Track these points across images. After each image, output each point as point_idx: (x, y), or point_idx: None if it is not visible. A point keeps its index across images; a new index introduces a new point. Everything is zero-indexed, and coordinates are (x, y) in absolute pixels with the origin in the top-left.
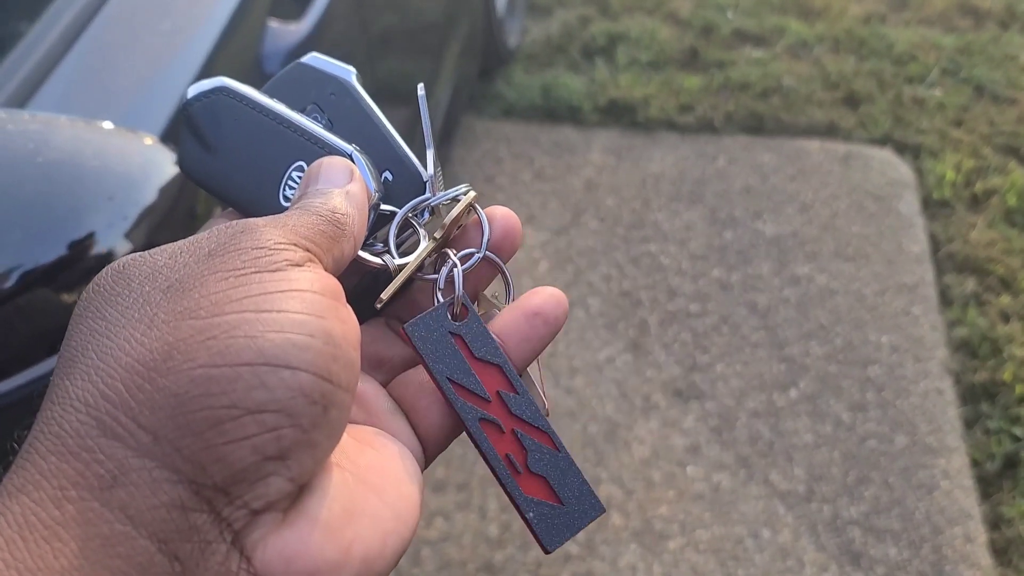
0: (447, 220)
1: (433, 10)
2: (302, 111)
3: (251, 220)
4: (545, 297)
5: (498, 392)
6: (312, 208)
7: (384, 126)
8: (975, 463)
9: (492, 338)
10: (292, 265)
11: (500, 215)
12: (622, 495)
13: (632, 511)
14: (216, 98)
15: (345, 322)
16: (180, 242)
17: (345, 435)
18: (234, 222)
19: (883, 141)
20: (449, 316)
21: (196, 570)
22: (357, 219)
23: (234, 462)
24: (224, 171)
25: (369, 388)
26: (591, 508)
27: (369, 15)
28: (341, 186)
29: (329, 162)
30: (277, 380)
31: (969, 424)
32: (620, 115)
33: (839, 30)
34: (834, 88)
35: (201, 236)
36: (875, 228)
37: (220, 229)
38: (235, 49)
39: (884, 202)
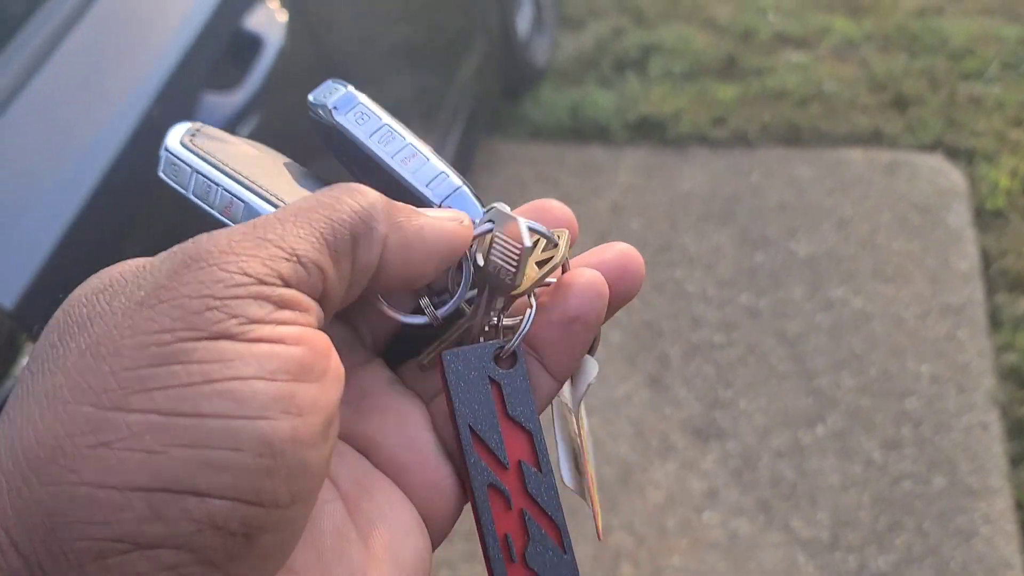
0: (526, 280)
1: (438, 32)
2: None
3: (219, 235)
4: (584, 298)
5: (519, 462)
6: (321, 202)
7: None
8: (1019, 506)
9: (532, 400)
10: (248, 323)
11: (614, 257)
12: (633, 543)
13: (643, 560)
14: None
15: (303, 411)
16: (141, 264)
17: (334, 513)
18: (196, 239)
19: (933, 146)
20: (494, 358)
21: None
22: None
23: None
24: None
25: (415, 416)
26: None
27: (357, 39)
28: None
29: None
30: (177, 511)
31: (1015, 462)
32: (650, 132)
33: (889, 26)
34: (880, 90)
35: (154, 261)
36: (919, 243)
37: (172, 254)
38: (167, 118)
39: (931, 214)
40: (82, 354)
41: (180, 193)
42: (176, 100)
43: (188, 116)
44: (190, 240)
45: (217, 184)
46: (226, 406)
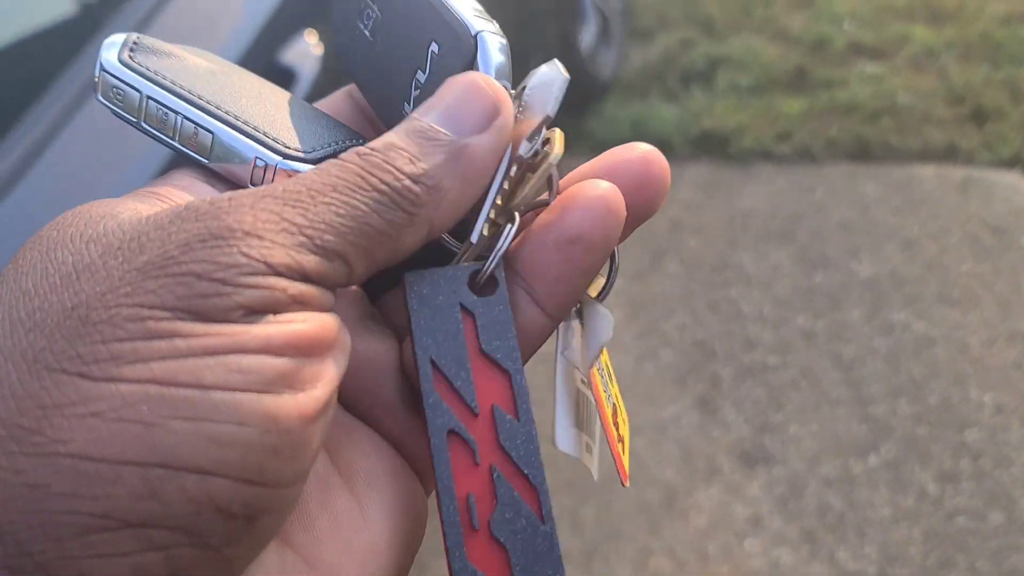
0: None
1: None
2: (359, 13)
3: (244, 211)
4: (588, 213)
5: (492, 407)
6: (366, 178)
7: None
8: None
9: (513, 335)
10: (252, 312)
11: (638, 157)
12: (673, 567)
13: None
14: None
15: (307, 387)
16: (134, 218)
17: (319, 468)
18: (215, 208)
19: (1011, 163)
20: (468, 283)
21: None
22: (455, 195)
23: None
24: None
25: (378, 358)
26: None
27: None
28: (465, 135)
29: (462, 87)
30: (174, 489)
31: None
32: (712, 147)
33: (972, 34)
34: (958, 103)
35: (161, 220)
36: (990, 266)
37: (186, 218)
38: None
39: (1004, 235)
40: (68, 315)
41: (128, 121)
42: None
43: None
44: (209, 202)
45: (174, 110)
46: (231, 378)
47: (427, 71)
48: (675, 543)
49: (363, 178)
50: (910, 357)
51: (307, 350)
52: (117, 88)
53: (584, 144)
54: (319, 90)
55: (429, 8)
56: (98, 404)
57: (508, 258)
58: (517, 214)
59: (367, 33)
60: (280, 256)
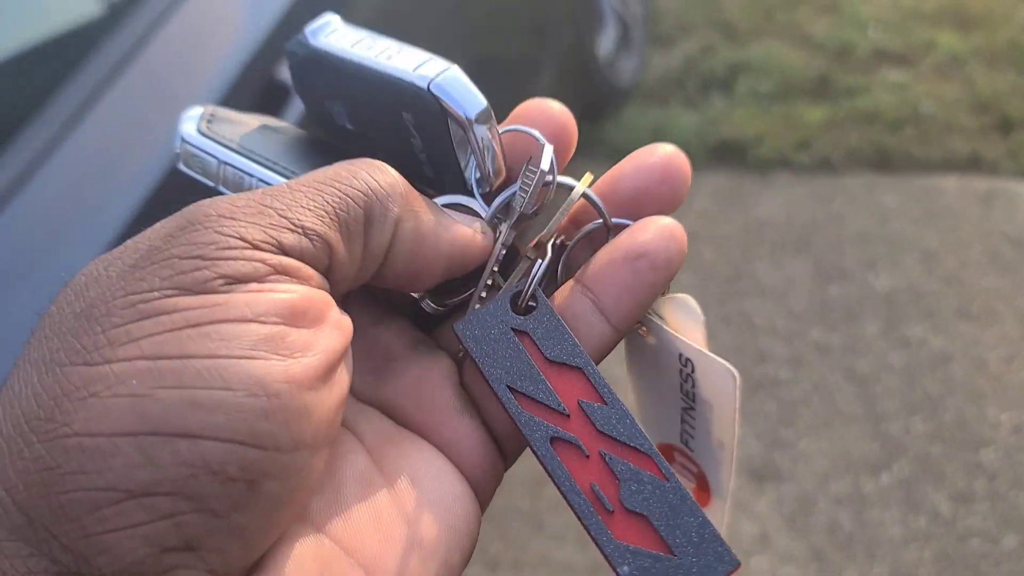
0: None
1: (501, 60)
2: (330, 116)
3: (222, 201)
4: (654, 231)
5: (579, 403)
6: (345, 169)
7: (366, 56)
8: None
9: (568, 333)
10: (236, 282)
11: (659, 159)
12: None
13: None
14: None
15: (295, 352)
16: (138, 236)
17: (356, 462)
18: (197, 205)
19: None
20: (511, 309)
21: None
22: (424, 216)
23: (123, 554)
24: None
25: (433, 376)
26: (717, 560)
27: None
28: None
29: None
30: (168, 454)
31: None
32: (730, 155)
33: (1000, 41)
34: (983, 111)
35: (155, 227)
36: (1011, 280)
37: (173, 218)
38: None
39: None
40: (77, 317)
41: (207, 186)
42: None
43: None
44: (193, 204)
45: (249, 173)
46: (212, 346)
47: (418, 139)
48: None
49: (335, 174)
50: (926, 373)
51: (291, 317)
52: (196, 157)
53: (601, 151)
54: None
55: (382, 80)
56: (95, 385)
57: (576, 270)
58: (550, 247)
59: (349, 126)
60: (255, 233)
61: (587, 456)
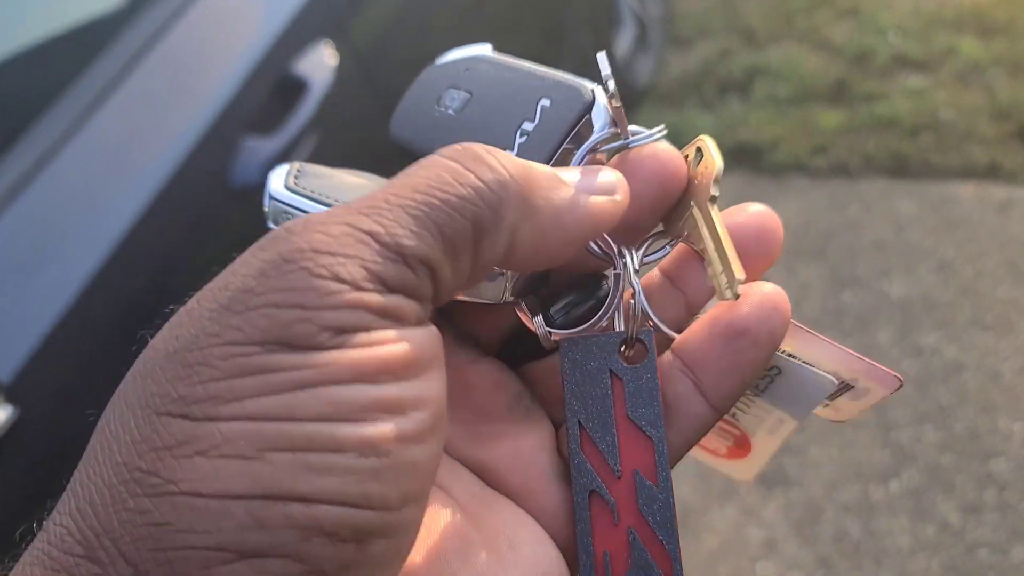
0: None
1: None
2: (437, 100)
3: (315, 230)
4: (756, 305)
5: (634, 473)
6: (446, 168)
7: (532, 67)
8: None
9: (659, 401)
10: (341, 334)
11: (753, 217)
12: None
13: None
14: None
15: (407, 409)
16: (238, 258)
17: (453, 520)
18: (290, 229)
19: None
20: (619, 350)
21: None
22: (545, 220)
23: None
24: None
25: (531, 441)
26: None
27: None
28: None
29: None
30: (280, 518)
31: None
32: (746, 159)
33: (1022, 49)
34: (1003, 119)
35: (245, 256)
36: None
37: (262, 250)
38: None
39: None
40: (170, 358)
41: None
42: (217, 145)
43: (226, 161)
44: (283, 228)
45: None
46: (323, 410)
47: (536, 120)
48: (685, 564)
49: (436, 177)
50: (938, 383)
51: (401, 373)
52: (286, 213)
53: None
54: (331, 102)
55: (533, 77)
56: (202, 444)
57: (676, 348)
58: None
59: (450, 112)
60: (354, 270)
61: (616, 524)
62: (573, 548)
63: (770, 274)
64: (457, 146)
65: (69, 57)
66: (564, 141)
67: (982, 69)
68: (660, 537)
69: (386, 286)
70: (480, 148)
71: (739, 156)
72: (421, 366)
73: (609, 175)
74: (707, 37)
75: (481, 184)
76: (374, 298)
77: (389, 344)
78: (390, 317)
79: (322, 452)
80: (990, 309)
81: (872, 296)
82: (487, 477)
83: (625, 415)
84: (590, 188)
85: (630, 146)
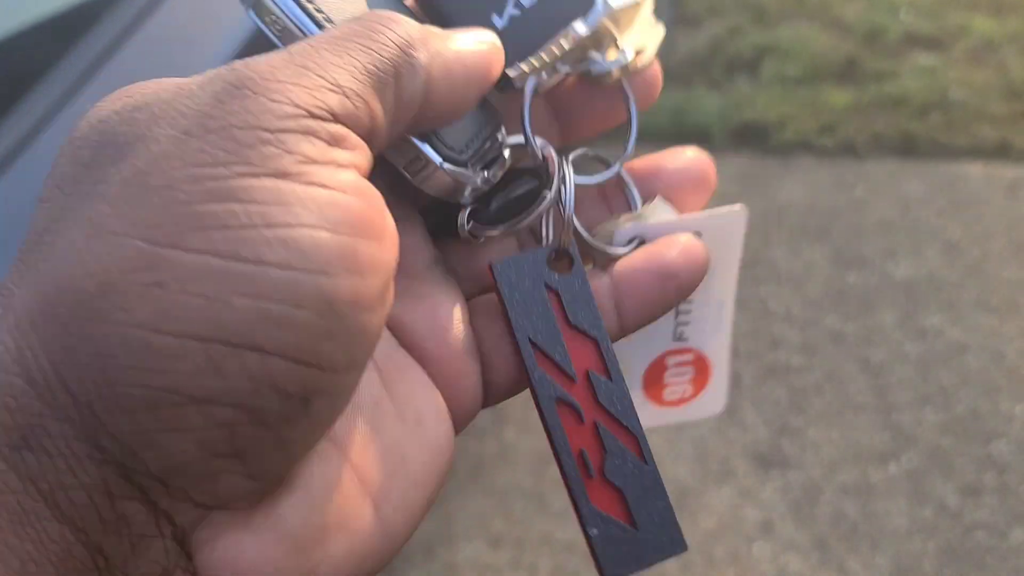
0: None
1: None
2: None
3: (257, 63)
4: (684, 256)
5: (587, 373)
6: (363, 26)
7: None
8: None
9: (594, 304)
10: (305, 162)
11: (688, 160)
12: (677, 569)
13: None
14: None
15: (364, 271)
16: (178, 85)
17: (372, 384)
18: (231, 66)
19: None
20: (547, 263)
21: (124, 567)
22: (450, 56)
23: (172, 454)
24: None
25: (448, 307)
26: (670, 542)
27: None
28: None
29: None
30: (236, 367)
31: None
32: (753, 138)
33: None
34: (1014, 98)
35: (191, 85)
36: None
37: (212, 79)
38: None
39: None
40: (127, 183)
41: (272, 40)
42: None
43: None
44: (224, 67)
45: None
46: (290, 256)
47: (520, 8)
48: None
49: (355, 31)
50: (941, 364)
51: (362, 231)
52: (268, 7)
53: (620, 130)
54: None
55: None
56: (162, 273)
57: (615, 271)
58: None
59: None
60: (305, 97)
61: (583, 423)
62: (464, 422)
63: (775, 254)
64: (369, 11)
65: (50, 41)
66: (556, 33)
67: (995, 47)
68: (624, 423)
69: (333, 115)
70: (387, 12)
71: (745, 135)
72: (378, 229)
73: (482, 33)
74: (717, 15)
75: (392, 32)
76: (325, 125)
77: (351, 195)
78: (341, 146)
79: (283, 304)
80: (996, 291)
81: (877, 277)
82: (402, 336)
83: (567, 322)
84: (475, 37)
85: (592, 69)
